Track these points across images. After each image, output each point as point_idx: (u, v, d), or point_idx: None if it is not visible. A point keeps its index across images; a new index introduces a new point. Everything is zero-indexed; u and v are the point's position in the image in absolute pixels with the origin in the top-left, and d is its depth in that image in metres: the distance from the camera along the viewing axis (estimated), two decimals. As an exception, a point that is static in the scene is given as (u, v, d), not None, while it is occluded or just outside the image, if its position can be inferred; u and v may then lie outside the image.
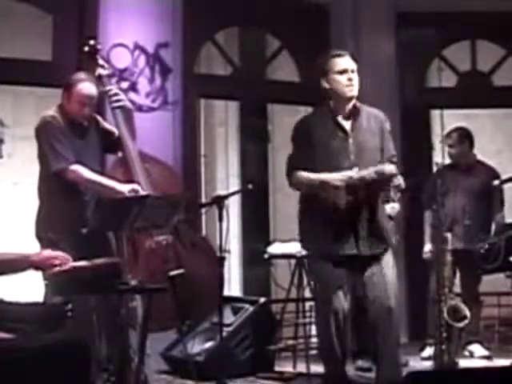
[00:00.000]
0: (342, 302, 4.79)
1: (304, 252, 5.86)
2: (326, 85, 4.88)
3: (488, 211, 6.64)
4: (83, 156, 5.00)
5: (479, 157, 6.81)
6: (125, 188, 4.94)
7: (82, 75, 5.09)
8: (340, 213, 4.73)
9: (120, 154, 5.34)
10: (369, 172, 4.72)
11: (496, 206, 6.63)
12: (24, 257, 3.61)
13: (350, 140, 4.83)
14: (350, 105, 4.88)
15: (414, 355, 6.37)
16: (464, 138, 6.66)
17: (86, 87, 5.02)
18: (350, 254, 4.78)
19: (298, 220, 4.98)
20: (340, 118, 4.87)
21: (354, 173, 4.71)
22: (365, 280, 4.83)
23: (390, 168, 4.80)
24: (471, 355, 6.47)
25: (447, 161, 6.68)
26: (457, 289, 6.38)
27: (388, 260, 4.87)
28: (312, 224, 4.87)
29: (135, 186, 4.98)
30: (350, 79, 4.82)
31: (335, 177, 4.72)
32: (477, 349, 6.50)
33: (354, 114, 4.87)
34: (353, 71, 4.84)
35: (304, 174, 4.84)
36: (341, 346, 4.84)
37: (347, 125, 4.86)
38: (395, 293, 4.84)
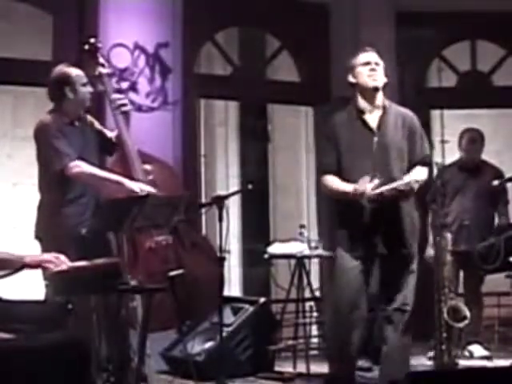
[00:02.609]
0: (364, 301, 4.81)
1: (306, 252, 5.90)
2: (352, 79, 4.96)
3: (493, 211, 6.64)
4: (83, 155, 4.99)
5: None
6: (135, 186, 4.93)
7: (63, 65, 5.10)
8: (364, 215, 4.75)
9: (114, 156, 5.34)
10: (387, 188, 4.71)
11: (501, 207, 6.64)
12: (18, 258, 3.60)
13: (375, 138, 4.84)
14: (378, 101, 4.91)
15: (414, 355, 6.35)
16: (478, 139, 6.66)
17: (76, 70, 5.06)
18: (372, 254, 4.80)
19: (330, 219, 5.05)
20: (367, 116, 4.89)
21: (371, 186, 4.69)
22: (386, 280, 4.84)
23: (408, 182, 4.79)
24: (471, 355, 6.47)
25: (447, 161, 6.66)
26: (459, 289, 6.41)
27: (410, 263, 4.88)
28: (338, 223, 4.93)
29: (144, 186, 4.98)
30: (372, 69, 4.90)
31: (356, 190, 4.72)
32: (477, 349, 6.50)
33: (381, 112, 4.89)
34: (376, 64, 4.93)
35: (329, 182, 4.89)
36: (356, 345, 4.84)
37: (373, 122, 4.89)
38: (412, 295, 4.87)
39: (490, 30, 7.82)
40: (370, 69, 4.90)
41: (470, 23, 7.78)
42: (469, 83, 8.02)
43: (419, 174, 4.89)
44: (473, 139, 6.66)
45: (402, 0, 7.74)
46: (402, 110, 5.01)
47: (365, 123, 4.88)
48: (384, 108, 4.92)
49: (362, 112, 4.90)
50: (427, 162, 4.99)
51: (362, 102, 4.93)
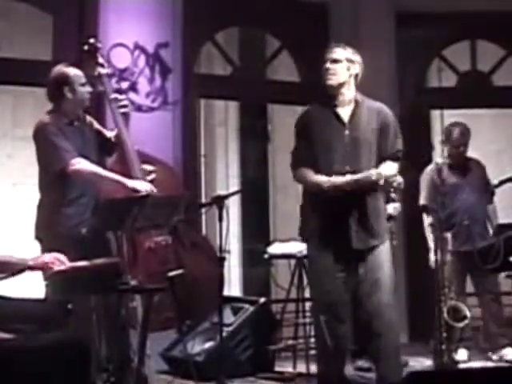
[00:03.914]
0: (335, 299, 4.77)
1: (305, 252, 5.88)
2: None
3: (486, 206, 6.58)
4: (83, 155, 4.98)
5: (478, 156, 6.77)
6: (136, 184, 4.93)
7: (62, 65, 5.10)
8: (333, 207, 4.74)
9: (113, 156, 5.34)
10: (356, 178, 4.71)
11: (488, 197, 6.55)
12: (21, 261, 3.61)
13: (346, 131, 4.84)
14: (347, 96, 4.89)
15: (414, 355, 6.36)
16: (466, 133, 6.50)
17: (75, 70, 5.06)
18: (343, 248, 4.78)
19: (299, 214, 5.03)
20: (339, 109, 4.89)
21: (343, 179, 4.71)
22: (359, 277, 4.81)
23: (376, 175, 4.78)
24: (500, 358, 6.35)
25: (447, 160, 6.64)
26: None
27: (383, 256, 4.86)
28: (309, 217, 4.91)
29: (145, 184, 4.98)
30: (326, 69, 4.91)
31: (327, 182, 4.73)
32: (510, 352, 6.33)
33: (353, 106, 4.88)
34: (334, 61, 4.90)
35: (304, 174, 4.88)
36: (336, 346, 4.81)
37: (346, 116, 4.87)
38: (390, 291, 4.84)
39: (490, 30, 7.82)
40: (324, 68, 4.92)
41: (470, 23, 7.78)
42: (469, 83, 8.02)
43: (387, 168, 4.86)
44: (462, 132, 6.45)
45: (402, 0, 7.75)
46: (376, 104, 4.97)
47: (337, 116, 4.88)
48: (356, 102, 4.90)
49: (334, 106, 4.90)
50: (398, 157, 4.93)
51: (333, 97, 4.91)
